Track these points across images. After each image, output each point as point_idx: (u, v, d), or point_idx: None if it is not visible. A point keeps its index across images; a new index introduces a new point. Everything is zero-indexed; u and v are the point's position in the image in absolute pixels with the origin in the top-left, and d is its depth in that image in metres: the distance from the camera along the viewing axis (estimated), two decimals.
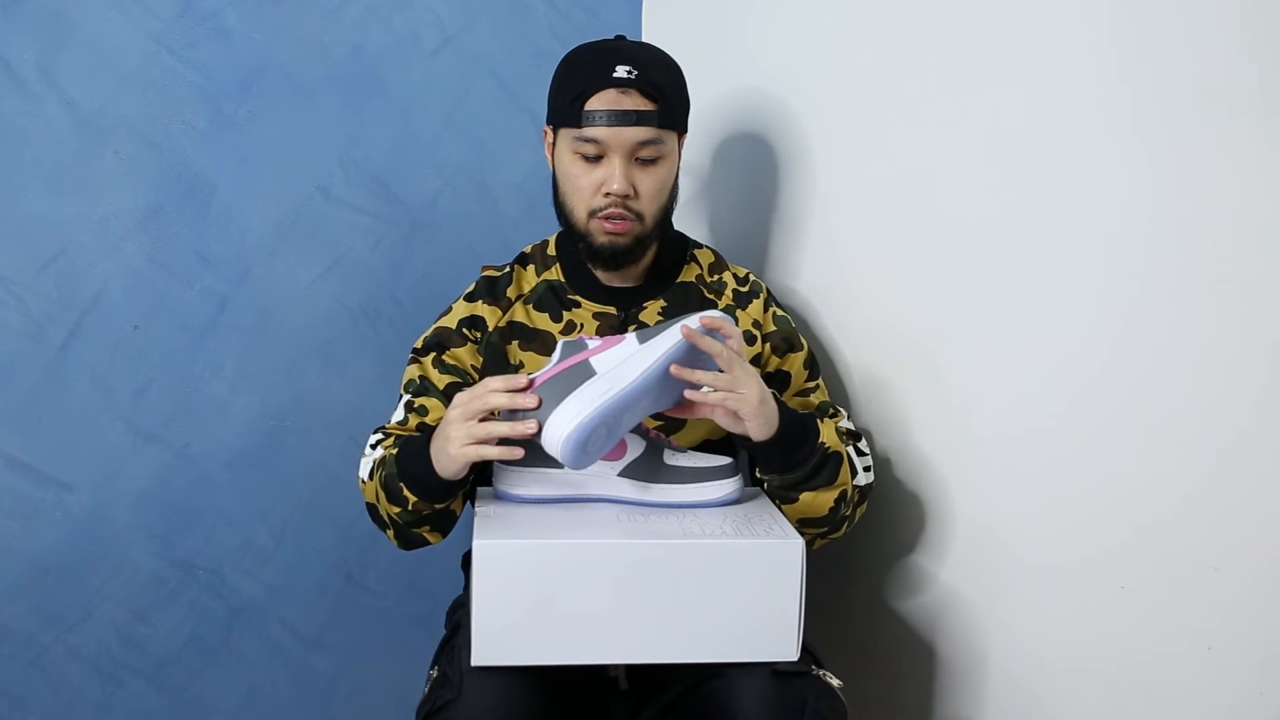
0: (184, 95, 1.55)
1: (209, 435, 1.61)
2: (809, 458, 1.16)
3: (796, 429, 1.16)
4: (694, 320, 1.11)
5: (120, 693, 1.60)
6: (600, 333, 1.29)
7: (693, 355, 1.11)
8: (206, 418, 1.61)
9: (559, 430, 1.05)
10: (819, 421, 1.19)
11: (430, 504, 1.17)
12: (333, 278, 1.66)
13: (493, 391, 1.09)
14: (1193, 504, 0.99)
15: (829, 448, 1.17)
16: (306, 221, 1.64)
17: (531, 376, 1.10)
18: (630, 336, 1.12)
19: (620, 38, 1.29)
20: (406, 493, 1.16)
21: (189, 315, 1.58)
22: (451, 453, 1.09)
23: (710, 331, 1.12)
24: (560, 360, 1.11)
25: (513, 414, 1.09)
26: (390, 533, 1.24)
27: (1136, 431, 1.04)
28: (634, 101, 1.22)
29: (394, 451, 1.19)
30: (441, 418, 1.17)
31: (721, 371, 1.11)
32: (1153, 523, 1.03)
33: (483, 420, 1.09)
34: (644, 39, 1.82)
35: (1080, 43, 1.07)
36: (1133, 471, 1.04)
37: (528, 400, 1.07)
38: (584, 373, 1.09)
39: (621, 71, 1.21)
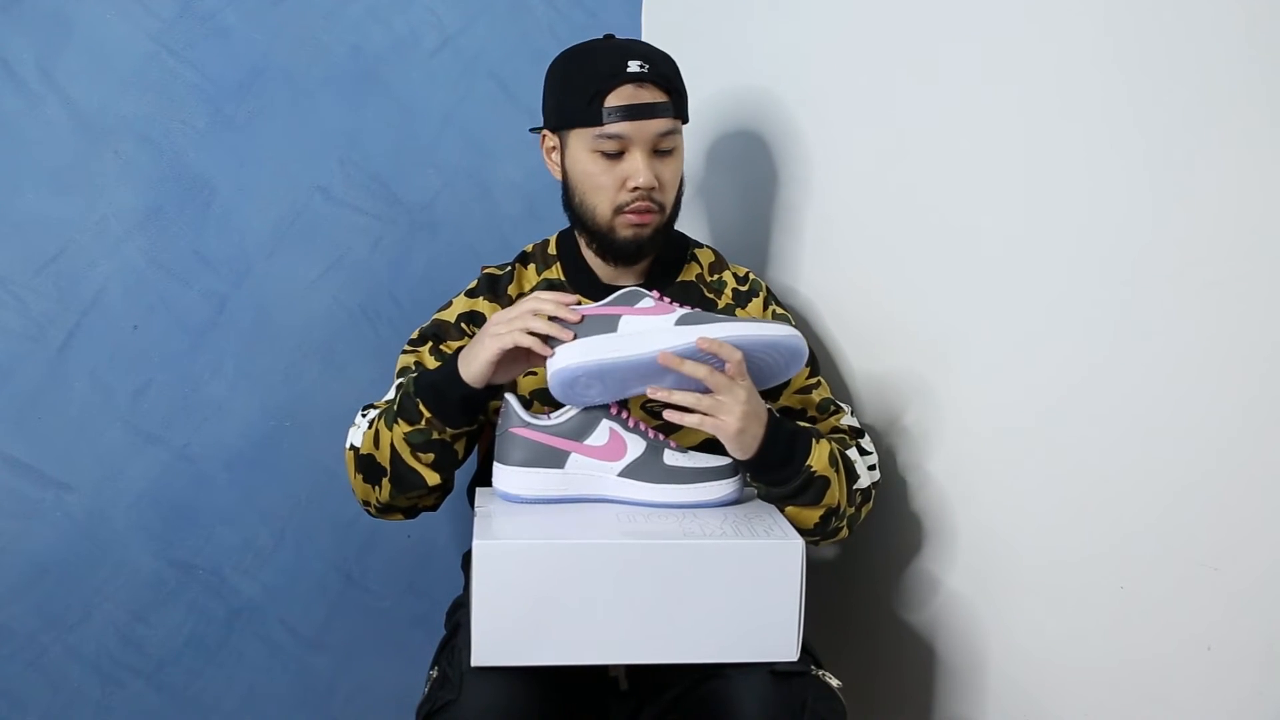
0: (184, 95, 1.55)
1: (209, 435, 1.61)
2: (791, 479, 1.14)
3: (781, 451, 1.13)
4: (690, 338, 1.08)
5: (120, 693, 1.60)
6: None
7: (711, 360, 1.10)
8: (206, 418, 1.61)
9: (554, 362, 1.10)
10: (815, 441, 1.16)
11: (443, 425, 1.15)
12: (332, 278, 1.66)
13: (543, 300, 1.12)
14: (1192, 504, 0.99)
15: (815, 472, 1.14)
16: (306, 221, 1.64)
17: (583, 303, 1.14)
18: (676, 314, 1.11)
19: (609, 36, 1.30)
20: (422, 408, 1.15)
21: (189, 315, 1.58)
22: (487, 344, 1.12)
23: (708, 356, 1.09)
24: (606, 303, 1.14)
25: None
26: (385, 481, 1.20)
27: (1136, 431, 1.04)
28: (651, 94, 1.23)
29: (413, 375, 1.19)
30: None
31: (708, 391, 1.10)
32: (1152, 523, 1.03)
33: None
34: (643, 39, 1.82)
35: (1078, 40, 1.07)
36: (1132, 472, 1.04)
37: (571, 314, 1.11)
38: (608, 325, 1.11)
39: (634, 66, 1.23)
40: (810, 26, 1.47)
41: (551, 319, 1.11)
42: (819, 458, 1.15)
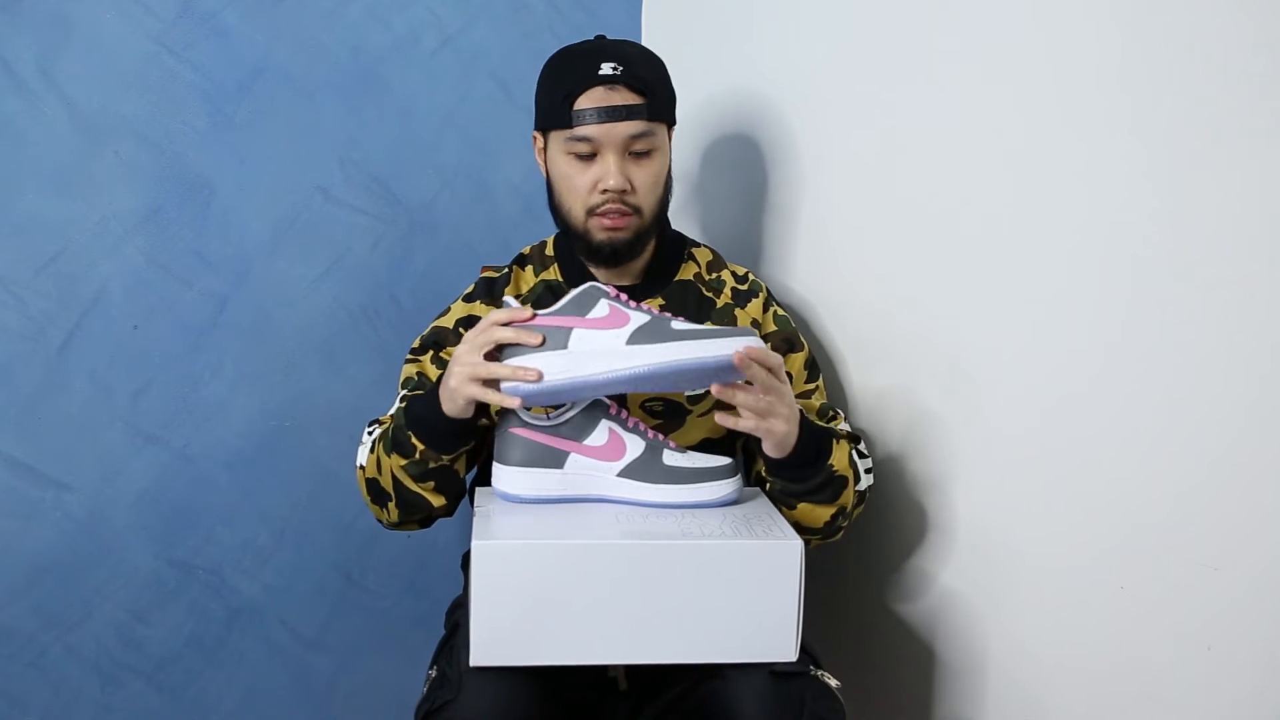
0: (184, 95, 1.55)
1: (208, 435, 1.61)
2: (814, 476, 1.16)
3: (810, 450, 1.15)
4: (738, 346, 1.07)
5: (120, 693, 1.60)
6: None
7: (677, 377, 1.09)
8: (206, 418, 1.61)
9: (509, 387, 1.09)
10: (835, 442, 1.19)
11: (438, 454, 1.16)
12: (332, 278, 1.66)
13: (497, 325, 1.10)
14: (1192, 504, 0.99)
15: (836, 470, 1.17)
16: (306, 222, 1.64)
17: (536, 312, 1.11)
18: (630, 328, 1.09)
19: (600, 38, 1.30)
20: (414, 440, 1.15)
21: (189, 315, 1.58)
22: (453, 386, 1.10)
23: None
24: (565, 307, 1.11)
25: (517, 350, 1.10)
26: (391, 504, 1.21)
27: (1136, 431, 1.04)
28: (622, 96, 1.22)
29: (402, 406, 1.19)
30: None
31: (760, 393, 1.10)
32: (1152, 523, 1.03)
33: (488, 356, 1.10)
34: (643, 39, 1.82)
35: (1078, 40, 1.07)
36: (1132, 472, 1.04)
37: (532, 337, 1.08)
38: (559, 340, 1.09)
39: (607, 69, 1.22)
40: (809, 27, 1.47)
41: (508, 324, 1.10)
42: (839, 458, 1.18)
